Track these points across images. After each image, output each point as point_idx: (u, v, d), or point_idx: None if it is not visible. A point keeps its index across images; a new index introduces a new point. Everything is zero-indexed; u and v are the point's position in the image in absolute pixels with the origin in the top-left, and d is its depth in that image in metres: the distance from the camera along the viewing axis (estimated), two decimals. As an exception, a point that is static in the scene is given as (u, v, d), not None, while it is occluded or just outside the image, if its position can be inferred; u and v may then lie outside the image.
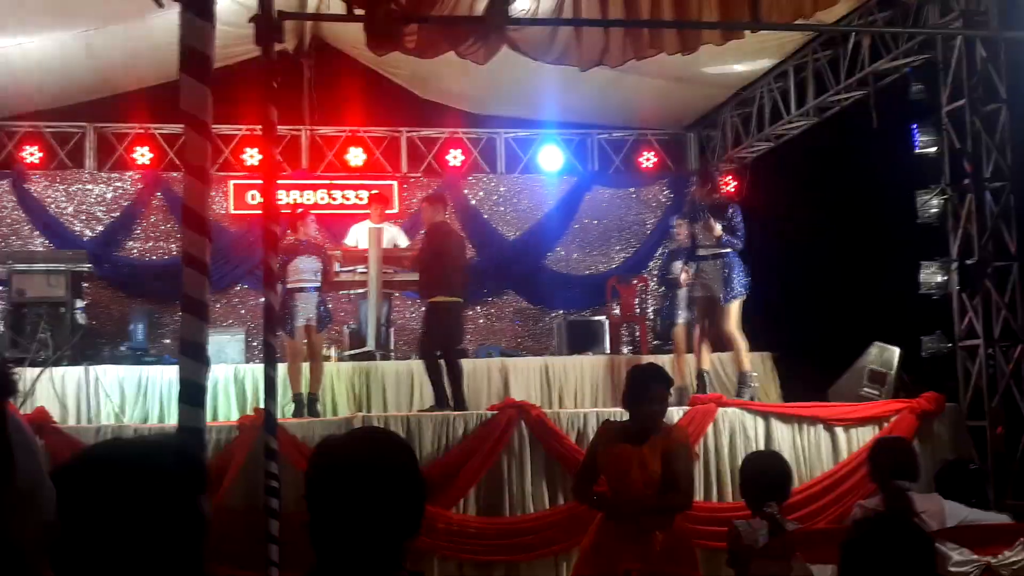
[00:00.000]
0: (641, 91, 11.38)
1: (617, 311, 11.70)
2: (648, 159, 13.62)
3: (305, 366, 9.04)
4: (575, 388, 10.03)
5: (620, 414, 8.20)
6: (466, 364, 10.14)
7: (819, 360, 9.85)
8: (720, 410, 8.28)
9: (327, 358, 9.82)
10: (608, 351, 11.06)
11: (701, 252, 8.80)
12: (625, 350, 11.49)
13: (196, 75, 3.52)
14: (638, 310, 12.13)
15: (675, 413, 8.31)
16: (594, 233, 13.60)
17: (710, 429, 8.17)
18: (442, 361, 8.73)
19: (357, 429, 2.77)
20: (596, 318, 11.71)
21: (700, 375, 9.01)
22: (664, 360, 9.95)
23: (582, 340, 11.25)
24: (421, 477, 2.30)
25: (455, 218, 13.23)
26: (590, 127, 13.50)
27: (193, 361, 3.12)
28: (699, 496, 8.04)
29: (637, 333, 11.90)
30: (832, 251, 10.79)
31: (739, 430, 8.24)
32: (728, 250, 8.66)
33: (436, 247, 8.87)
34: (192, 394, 3.11)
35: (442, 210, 9.33)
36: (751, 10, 6.95)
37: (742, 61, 10.67)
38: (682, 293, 9.36)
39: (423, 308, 9.18)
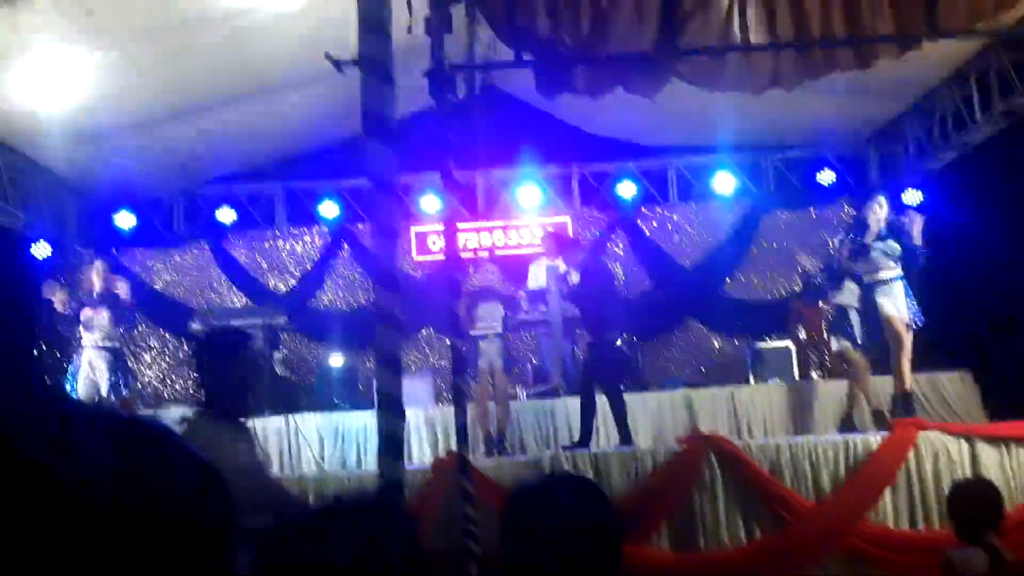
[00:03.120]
0: (816, 108, 11.09)
1: (803, 336, 11.40)
2: (827, 177, 13.26)
3: (491, 405, 9.21)
4: (764, 417, 9.82)
5: (811, 443, 8.03)
6: (650, 397, 10.11)
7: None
8: (921, 434, 7.96)
9: (514, 397, 9.95)
10: (797, 377, 10.78)
11: (882, 275, 8.63)
12: (815, 375, 11.18)
13: (379, 136, 3.68)
14: (826, 334, 11.75)
15: (872, 439, 8.05)
16: (774, 256, 13.30)
17: (911, 454, 7.86)
18: (604, 398, 8.74)
19: (550, 476, 2.81)
20: (782, 344, 11.41)
21: (904, 397, 8.68)
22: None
23: (768, 367, 11.00)
24: (617, 521, 2.32)
25: (630, 250, 13.24)
26: (764, 149, 13.26)
27: (390, 414, 3.24)
28: (903, 524, 7.76)
29: (826, 357, 11.55)
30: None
31: (942, 454, 7.89)
32: (899, 272, 8.58)
33: (594, 285, 8.93)
34: (390, 446, 3.23)
35: (580, 249, 9.44)
36: (927, 18, 6.71)
37: (921, 68, 10.29)
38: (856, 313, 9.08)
39: (588, 346, 9.17)
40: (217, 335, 3.58)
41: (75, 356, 9.48)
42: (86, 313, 9.40)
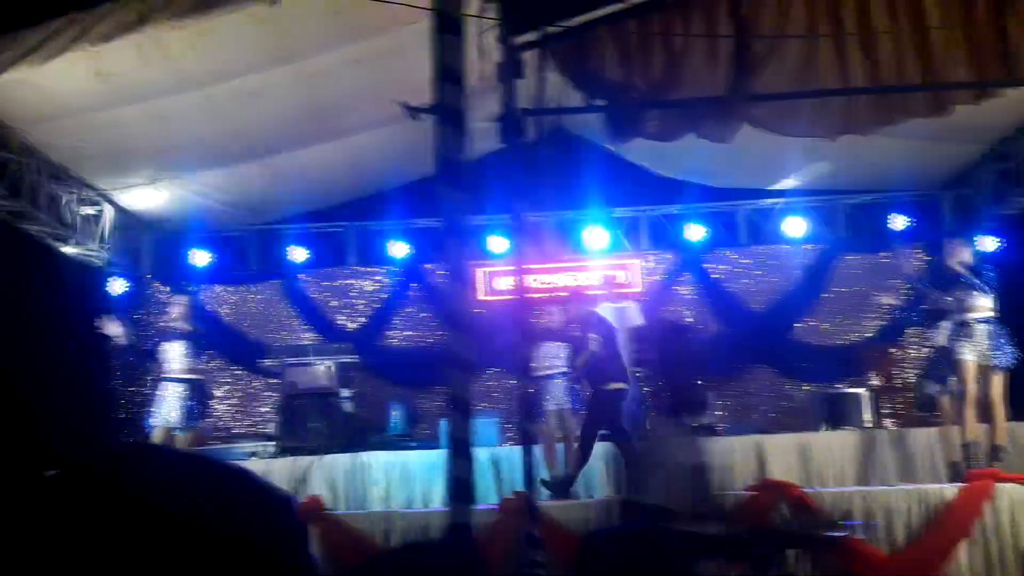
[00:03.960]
0: (890, 153, 10.96)
1: (876, 382, 11.20)
2: (899, 222, 13.05)
3: (560, 448, 9.19)
4: (836, 466, 9.63)
5: (885, 493, 7.84)
6: (719, 443, 9.97)
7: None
8: (998, 486, 7.74)
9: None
10: (869, 425, 10.58)
11: (971, 316, 8.41)
12: (888, 423, 10.96)
13: (451, 182, 3.72)
14: (899, 381, 11.53)
15: (947, 490, 7.86)
16: (846, 301, 13.11)
17: (987, 507, 7.65)
18: (614, 444, 8.91)
19: (623, 524, 2.80)
20: (854, 390, 11.20)
21: (970, 446, 8.45)
22: (931, 432, 9.47)
23: (840, 414, 10.80)
24: (695, 572, 2.31)
25: (698, 293, 13.16)
26: (836, 193, 13.12)
27: (460, 458, 3.24)
28: (980, 580, 7.54)
29: (899, 405, 11.34)
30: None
31: (1021, 507, 7.67)
32: (987, 314, 8.32)
33: (602, 336, 8.91)
34: (460, 491, 3.23)
35: (582, 305, 9.49)
36: (1005, 64, 6.62)
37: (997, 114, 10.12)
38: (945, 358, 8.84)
39: (593, 395, 9.12)
40: (661, 328, 3.55)
41: (156, 387, 9.74)
42: (163, 346, 9.70)
